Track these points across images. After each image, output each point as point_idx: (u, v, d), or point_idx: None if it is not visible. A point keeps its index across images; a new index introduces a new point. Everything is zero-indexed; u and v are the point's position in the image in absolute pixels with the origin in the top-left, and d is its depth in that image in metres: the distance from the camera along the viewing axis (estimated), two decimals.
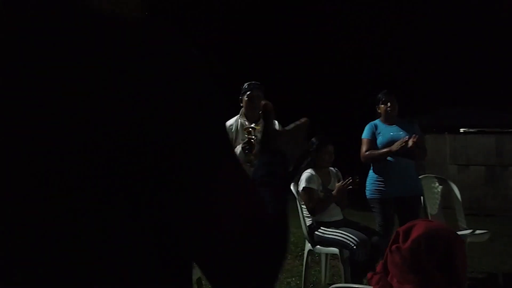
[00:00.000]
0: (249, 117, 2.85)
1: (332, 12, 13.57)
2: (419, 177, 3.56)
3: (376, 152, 3.20)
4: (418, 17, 14.19)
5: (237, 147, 2.69)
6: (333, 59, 12.92)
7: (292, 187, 3.21)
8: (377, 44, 13.85)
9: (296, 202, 3.17)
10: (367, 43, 13.60)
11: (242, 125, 2.82)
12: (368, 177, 3.38)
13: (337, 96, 12.27)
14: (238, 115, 2.89)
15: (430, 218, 3.55)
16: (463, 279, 1.13)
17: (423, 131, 8.86)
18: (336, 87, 12.43)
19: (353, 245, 2.72)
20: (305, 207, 3.11)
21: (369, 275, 1.27)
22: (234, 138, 2.83)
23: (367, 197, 3.36)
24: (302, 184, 3.07)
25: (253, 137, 2.63)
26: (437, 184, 3.73)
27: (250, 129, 2.68)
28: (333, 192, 3.03)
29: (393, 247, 1.17)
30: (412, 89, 12.14)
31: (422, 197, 3.49)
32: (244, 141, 2.64)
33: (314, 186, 3.04)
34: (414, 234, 1.15)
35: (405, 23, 13.69)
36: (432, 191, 3.70)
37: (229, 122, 2.89)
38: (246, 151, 2.62)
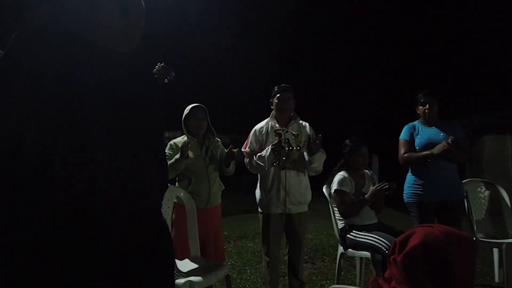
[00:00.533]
0: (279, 119, 2.90)
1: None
2: (464, 181, 3.37)
3: (415, 154, 3.08)
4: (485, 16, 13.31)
5: (267, 148, 2.75)
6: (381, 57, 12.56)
7: (324, 190, 3.20)
8: (433, 40, 13.22)
9: (329, 204, 3.15)
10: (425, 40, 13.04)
11: (272, 127, 2.87)
12: (406, 180, 3.27)
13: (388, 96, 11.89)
14: (269, 118, 2.95)
15: (475, 223, 3.35)
16: (465, 286, 1.09)
17: (481, 132, 8.30)
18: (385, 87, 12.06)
19: (385, 249, 2.65)
20: (337, 209, 3.09)
21: (371, 278, 1.27)
22: (264, 140, 2.89)
23: (405, 200, 3.25)
24: (334, 186, 3.04)
25: (282, 139, 2.67)
26: (483, 189, 3.51)
27: (280, 131, 2.72)
28: (366, 196, 2.98)
29: (391, 258, 1.17)
30: (472, 89, 11.42)
31: (466, 202, 3.31)
32: (274, 143, 2.69)
33: (346, 188, 3.01)
34: (410, 245, 1.13)
35: (464, 20, 12.93)
36: (478, 195, 3.49)
37: (260, 125, 2.97)
38: (276, 153, 2.67)
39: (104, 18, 0.70)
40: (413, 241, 1.13)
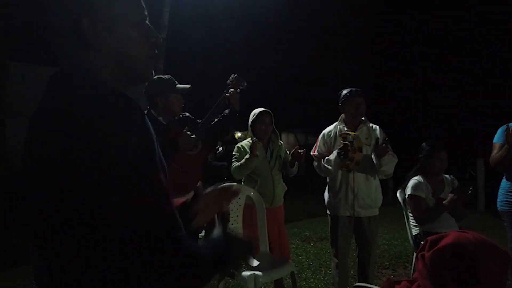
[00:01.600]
0: (349, 123, 2.92)
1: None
2: None
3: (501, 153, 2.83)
4: None
5: (333, 152, 2.80)
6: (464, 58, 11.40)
7: (398, 195, 3.11)
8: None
9: (403, 210, 3.06)
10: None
11: (340, 131, 2.90)
12: (500, 186, 3.00)
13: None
14: (338, 121, 2.99)
15: None
16: None
17: None
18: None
19: None
20: (411, 215, 2.98)
21: (387, 279, 1.29)
22: (332, 143, 2.93)
23: (498, 209, 2.99)
24: (408, 191, 2.95)
25: (348, 142, 2.70)
26: None
27: (345, 134, 2.75)
28: (444, 202, 2.82)
29: (419, 254, 1.18)
30: None
31: None
32: (340, 147, 2.73)
33: (421, 194, 2.89)
34: (441, 244, 1.13)
35: None
36: None
37: (328, 128, 3.02)
38: (342, 157, 2.70)
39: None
40: (444, 241, 1.13)
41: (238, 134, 9.17)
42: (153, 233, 0.67)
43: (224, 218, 0.98)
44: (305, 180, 9.42)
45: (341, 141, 2.74)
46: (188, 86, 2.47)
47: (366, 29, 13.35)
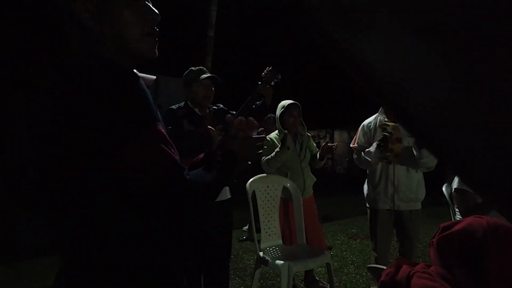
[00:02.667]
0: (389, 114, 2.83)
1: None
2: None
3: None
4: None
5: (373, 144, 2.74)
6: None
7: (444, 189, 2.97)
8: None
9: (449, 206, 2.91)
10: None
11: (380, 122, 2.83)
12: None
13: None
14: (378, 113, 2.92)
15: None
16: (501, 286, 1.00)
17: None
18: None
19: None
20: (458, 210, 2.82)
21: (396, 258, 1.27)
22: (372, 135, 2.87)
23: None
24: (455, 185, 2.79)
25: (387, 134, 2.63)
26: None
27: (385, 126, 2.68)
28: None
29: (431, 241, 1.15)
30: None
31: None
32: (379, 138, 2.67)
33: (468, 188, 2.73)
34: (451, 229, 1.09)
35: None
36: None
37: (368, 120, 2.95)
38: (381, 148, 2.64)
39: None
40: (454, 228, 1.09)
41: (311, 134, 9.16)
42: (162, 172, 0.75)
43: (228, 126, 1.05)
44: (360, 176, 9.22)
45: (381, 132, 2.68)
46: (210, 75, 2.51)
47: None
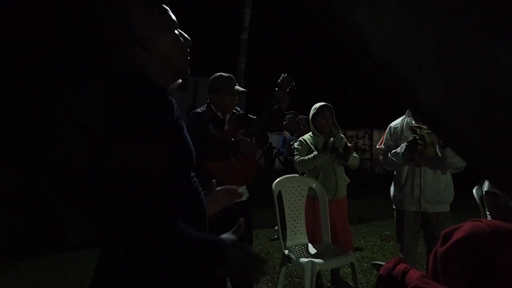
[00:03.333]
0: (415, 116, 2.82)
1: None
2: None
3: None
4: None
5: (402, 145, 2.73)
6: None
7: (474, 192, 2.91)
8: None
9: (480, 208, 2.84)
10: None
11: (408, 124, 2.83)
12: None
13: None
14: (405, 115, 2.91)
15: None
16: None
17: None
18: None
19: None
20: (489, 213, 2.75)
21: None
22: (399, 136, 2.86)
23: None
24: (485, 187, 2.73)
25: (417, 136, 2.60)
26: None
27: (416, 128, 2.67)
28: None
29: (433, 250, 1.17)
30: None
31: None
32: (409, 140, 2.65)
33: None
34: (454, 238, 1.11)
35: None
36: None
37: (395, 122, 2.95)
38: (411, 150, 2.63)
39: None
40: (457, 235, 1.11)
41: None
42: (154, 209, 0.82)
43: (239, 227, 1.04)
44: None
45: (411, 134, 2.65)
46: (243, 89, 2.62)
47: None
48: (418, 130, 2.65)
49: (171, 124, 0.92)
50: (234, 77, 2.64)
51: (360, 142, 15.48)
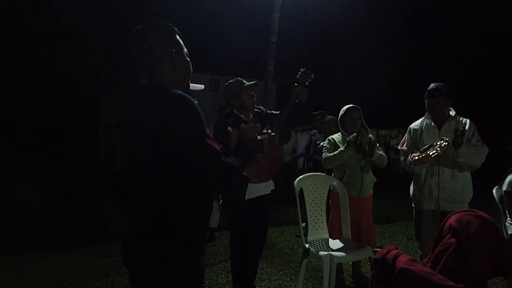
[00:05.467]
0: (433, 119, 2.91)
1: None
2: None
3: None
4: None
5: (426, 146, 2.81)
6: None
7: (494, 192, 2.96)
8: None
9: (500, 208, 2.89)
10: None
11: (427, 125, 2.92)
12: None
13: None
14: (424, 116, 3.00)
15: None
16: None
17: None
18: None
19: None
20: (508, 213, 2.81)
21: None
22: (419, 137, 2.95)
23: None
24: (505, 187, 2.79)
25: (440, 147, 2.62)
26: None
27: (441, 140, 2.67)
28: None
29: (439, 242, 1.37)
30: None
31: None
32: (424, 148, 2.74)
33: None
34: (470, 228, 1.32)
35: None
36: None
37: (415, 123, 3.04)
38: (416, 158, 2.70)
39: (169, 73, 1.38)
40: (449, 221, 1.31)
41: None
42: (211, 156, 1.26)
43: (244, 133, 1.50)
44: None
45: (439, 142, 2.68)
46: (254, 81, 2.79)
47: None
48: (440, 142, 2.67)
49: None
50: (239, 78, 2.84)
51: (394, 141, 15.25)
